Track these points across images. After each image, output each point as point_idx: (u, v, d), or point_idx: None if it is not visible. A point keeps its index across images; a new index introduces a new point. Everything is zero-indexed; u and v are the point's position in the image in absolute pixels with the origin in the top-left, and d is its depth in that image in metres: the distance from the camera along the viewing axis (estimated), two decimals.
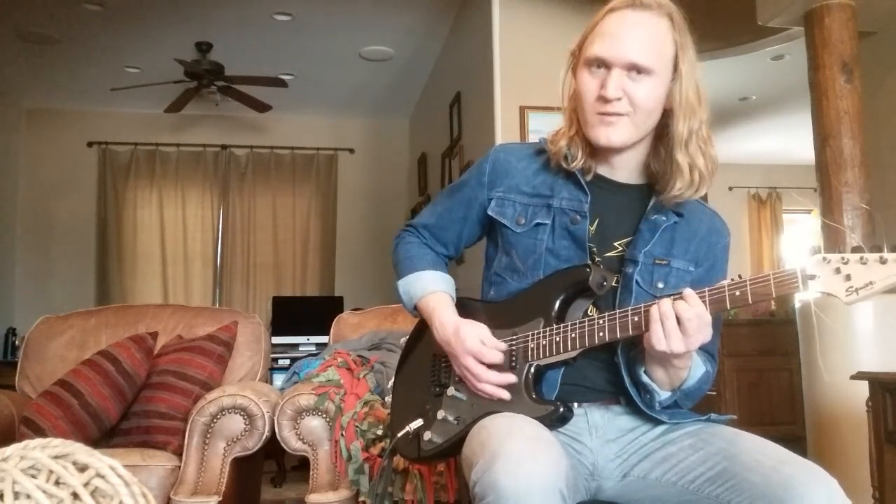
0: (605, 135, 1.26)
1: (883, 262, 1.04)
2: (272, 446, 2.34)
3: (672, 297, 1.15)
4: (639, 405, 1.26)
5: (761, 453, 1.11)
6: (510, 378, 1.25)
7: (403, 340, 2.65)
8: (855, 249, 1.06)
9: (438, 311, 1.35)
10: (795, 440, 3.22)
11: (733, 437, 1.18)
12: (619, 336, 1.19)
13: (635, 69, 1.23)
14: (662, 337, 1.13)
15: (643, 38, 1.24)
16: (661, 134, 1.32)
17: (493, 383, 1.25)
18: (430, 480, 2.00)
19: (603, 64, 1.25)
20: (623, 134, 1.26)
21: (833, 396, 2.80)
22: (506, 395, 1.24)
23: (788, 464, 1.07)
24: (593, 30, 1.28)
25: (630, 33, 1.24)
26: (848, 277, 1.05)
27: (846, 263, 1.05)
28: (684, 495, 1.16)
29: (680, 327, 1.12)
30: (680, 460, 1.19)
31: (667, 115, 1.30)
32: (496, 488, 1.00)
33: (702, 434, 1.21)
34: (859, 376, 2.31)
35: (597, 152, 1.33)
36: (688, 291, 1.14)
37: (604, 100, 1.24)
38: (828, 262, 1.06)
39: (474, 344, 1.27)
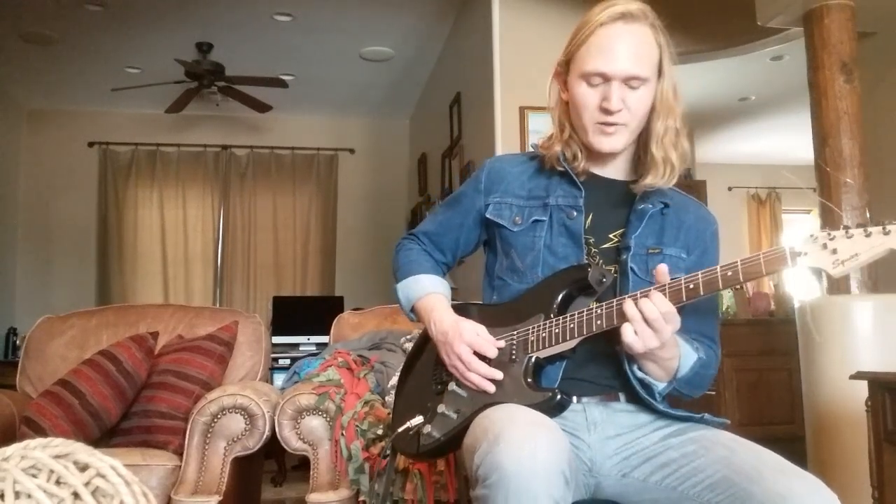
0: (606, 143, 1.34)
1: (867, 234, 1.08)
2: (272, 446, 2.35)
3: (637, 295, 1.18)
4: (640, 398, 1.28)
5: (762, 463, 1.12)
6: (497, 374, 1.27)
7: (404, 340, 2.66)
8: (843, 227, 1.10)
9: (437, 309, 1.39)
10: (795, 440, 3.22)
11: (735, 446, 1.18)
12: (616, 323, 1.21)
13: (633, 80, 1.29)
14: (637, 339, 1.16)
15: (637, 50, 1.30)
16: (643, 129, 1.38)
17: (481, 374, 1.28)
18: (430, 480, 2.00)
19: (603, 77, 1.30)
20: (621, 141, 1.34)
21: (832, 396, 2.80)
22: (490, 387, 1.27)
23: (789, 476, 1.08)
24: (585, 42, 1.32)
25: (625, 47, 1.29)
26: (834, 251, 1.09)
27: (832, 239, 1.09)
28: (683, 501, 1.17)
29: (648, 326, 1.15)
30: (681, 466, 1.20)
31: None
32: (500, 468, 1.01)
33: (703, 441, 1.22)
34: (859, 376, 2.31)
35: (592, 153, 1.38)
36: (653, 291, 1.17)
37: (607, 112, 1.30)
38: (815, 239, 1.10)
39: (471, 335, 1.31)
